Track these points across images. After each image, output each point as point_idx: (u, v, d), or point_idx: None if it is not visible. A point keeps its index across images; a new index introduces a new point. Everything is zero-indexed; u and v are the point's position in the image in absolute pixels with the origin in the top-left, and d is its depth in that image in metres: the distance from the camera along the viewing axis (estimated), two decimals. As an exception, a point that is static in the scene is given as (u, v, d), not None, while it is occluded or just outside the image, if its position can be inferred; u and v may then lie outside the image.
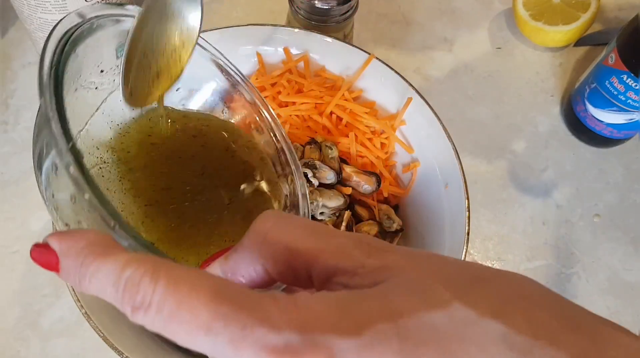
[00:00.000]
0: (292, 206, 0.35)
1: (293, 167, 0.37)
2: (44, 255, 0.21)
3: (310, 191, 0.45)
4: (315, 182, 0.45)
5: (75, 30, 0.29)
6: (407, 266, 0.19)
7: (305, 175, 0.45)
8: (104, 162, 0.33)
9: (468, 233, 0.42)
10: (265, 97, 0.50)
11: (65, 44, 0.28)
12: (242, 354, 0.17)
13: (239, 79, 0.38)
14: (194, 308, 0.18)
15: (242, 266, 0.22)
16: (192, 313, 0.18)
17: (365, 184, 0.47)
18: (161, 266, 0.19)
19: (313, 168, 0.46)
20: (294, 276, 0.21)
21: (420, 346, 0.16)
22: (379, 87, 0.49)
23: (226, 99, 0.38)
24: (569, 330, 0.17)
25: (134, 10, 0.32)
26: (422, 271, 0.19)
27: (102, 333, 0.37)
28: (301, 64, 0.50)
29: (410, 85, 0.47)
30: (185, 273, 0.19)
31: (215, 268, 0.22)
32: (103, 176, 0.33)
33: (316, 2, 0.50)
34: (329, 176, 0.46)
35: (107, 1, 0.34)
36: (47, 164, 0.27)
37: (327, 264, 0.20)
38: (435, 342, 0.17)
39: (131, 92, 0.33)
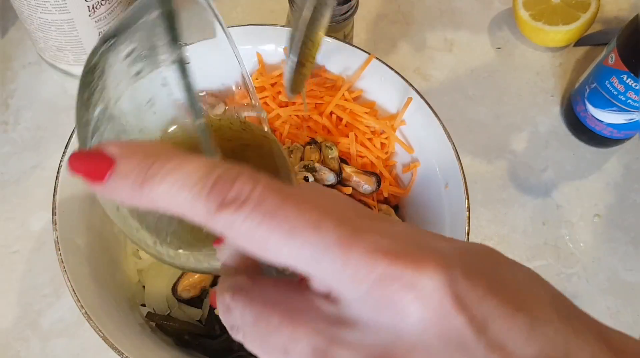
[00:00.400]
0: None
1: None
2: (90, 160, 0.18)
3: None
4: None
5: None
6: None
7: (306, 179, 0.45)
8: None
9: (468, 233, 0.42)
10: (265, 97, 0.50)
11: None
12: (351, 256, 0.17)
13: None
14: (301, 207, 0.17)
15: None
16: (300, 210, 0.17)
17: (365, 185, 0.47)
18: (259, 174, 0.18)
19: (313, 170, 0.46)
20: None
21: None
22: (379, 87, 0.49)
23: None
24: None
25: None
26: None
27: (102, 333, 0.37)
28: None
29: (410, 85, 0.47)
30: (286, 186, 0.18)
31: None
32: None
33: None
34: (329, 178, 0.46)
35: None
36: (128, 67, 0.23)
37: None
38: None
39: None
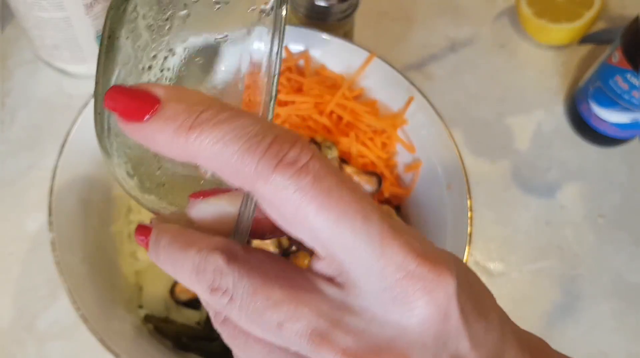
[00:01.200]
0: None
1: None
2: (133, 95, 0.17)
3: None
4: None
5: None
6: None
7: None
8: None
9: (470, 234, 0.42)
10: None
11: None
12: (388, 250, 0.18)
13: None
14: (355, 194, 0.17)
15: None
16: (354, 196, 0.17)
17: (366, 185, 0.47)
18: (315, 147, 0.18)
19: None
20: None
21: None
22: (380, 85, 0.49)
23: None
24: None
25: None
26: None
27: (98, 335, 0.37)
28: (301, 62, 0.50)
29: (412, 84, 0.47)
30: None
31: (220, 200, 0.21)
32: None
33: (316, 0, 0.49)
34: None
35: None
36: None
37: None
38: None
39: None
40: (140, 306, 0.46)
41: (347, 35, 0.54)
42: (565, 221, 0.55)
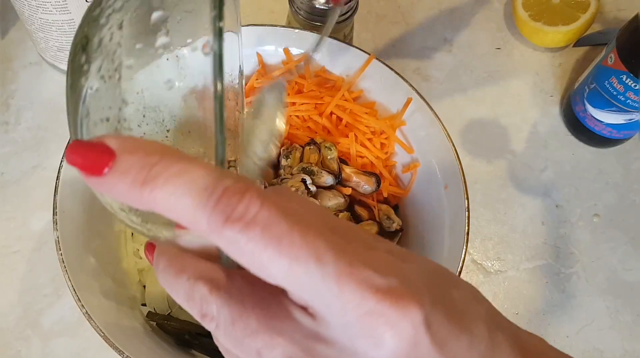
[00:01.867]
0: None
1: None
2: (90, 150, 0.18)
3: (309, 195, 0.45)
4: (313, 189, 0.45)
5: None
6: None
7: (304, 181, 0.45)
8: None
9: (468, 233, 0.42)
10: (265, 97, 0.50)
11: None
12: (346, 289, 0.17)
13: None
14: (308, 236, 0.17)
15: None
16: (305, 239, 0.17)
17: (365, 185, 0.47)
18: (268, 192, 0.18)
19: (311, 174, 0.46)
20: None
21: None
22: (379, 87, 0.49)
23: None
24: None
25: None
26: None
27: (102, 332, 0.37)
28: (301, 64, 0.50)
29: (410, 85, 0.47)
30: (294, 205, 0.18)
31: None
32: None
33: (316, 2, 0.50)
34: (327, 180, 0.46)
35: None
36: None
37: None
38: None
39: None
40: (143, 304, 0.46)
41: (347, 38, 0.54)
42: (561, 220, 0.56)
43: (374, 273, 0.18)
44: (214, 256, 0.21)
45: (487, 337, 0.20)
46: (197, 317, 0.20)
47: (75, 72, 0.22)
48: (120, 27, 0.22)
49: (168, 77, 0.26)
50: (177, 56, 0.25)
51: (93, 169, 0.18)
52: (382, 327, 0.18)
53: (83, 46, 0.22)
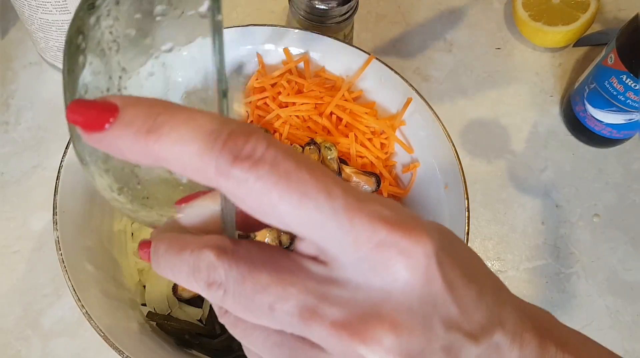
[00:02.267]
0: None
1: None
2: (92, 107, 0.17)
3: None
4: None
5: None
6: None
7: None
8: None
9: (468, 233, 0.42)
10: (265, 97, 0.50)
11: None
12: (356, 221, 0.17)
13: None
14: (314, 173, 0.17)
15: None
16: (313, 175, 0.17)
17: (365, 185, 0.47)
18: (272, 136, 0.18)
19: None
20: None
21: None
22: (379, 87, 0.49)
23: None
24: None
25: None
26: None
27: (102, 332, 0.37)
28: (301, 64, 0.50)
29: (410, 85, 0.47)
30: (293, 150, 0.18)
31: (204, 202, 0.21)
32: None
33: (316, 2, 0.50)
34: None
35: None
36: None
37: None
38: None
39: None
40: (144, 304, 0.46)
41: (347, 38, 0.55)
42: (561, 220, 0.56)
43: (382, 206, 0.18)
44: (218, 231, 0.21)
45: (494, 293, 0.20)
46: (203, 290, 0.19)
47: (72, 54, 0.22)
48: (117, 3, 0.22)
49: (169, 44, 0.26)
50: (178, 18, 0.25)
51: (95, 125, 0.17)
52: (395, 257, 0.18)
53: (79, 27, 0.22)
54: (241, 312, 0.19)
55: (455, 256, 0.19)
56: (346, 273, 0.18)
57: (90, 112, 0.17)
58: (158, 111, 0.17)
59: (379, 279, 0.18)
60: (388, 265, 0.18)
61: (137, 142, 0.17)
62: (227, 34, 0.48)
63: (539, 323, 0.22)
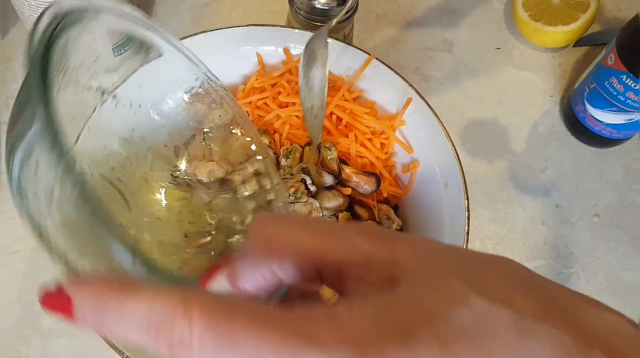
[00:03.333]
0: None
1: (276, 181, 0.35)
2: (55, 299, 0.19)
3: (309, 195, 0.45)
4: (314, 189, 0.45)
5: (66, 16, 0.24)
6: (415, 258, 0.19)
7: (304, 181, 0.45)
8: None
9: (468, 233, 0.42)
10: (265, 97, 0.50)
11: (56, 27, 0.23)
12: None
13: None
14: (239, 339, 0.17)
15: (248, 273, 0.21)
16: (237, 345, 0.17)
17: (365, 185, 0.47)
18: (190, 297, 0.18)
19: (311, 174, 0.46)
20: (302, 275, 0.21)
21: (455, 346, 0.17)
22: (379, 87, 0.50)
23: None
24: (560, 310, 0.19)
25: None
26: (431, 264, 0.19)
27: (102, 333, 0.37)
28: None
29: (410, 85, 0.47)
30: (218, 301, 0.18)
31: (222, 280, 0.22)
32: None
33: (316, 2, 0.50)
34: (327, 181, 0.46)
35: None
36: (22, 160, 0.22)
37: (337, 260, 0.20)
38: (466, 340, 0.17)
39: None
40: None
41: (347, 38, 0.55)
42: (561, 220, 0.56)
43: (320, 352, 0.17)
44: (271, 285, 0.21)
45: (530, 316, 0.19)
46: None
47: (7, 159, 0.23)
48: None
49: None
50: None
51: (66, 314, 0.19)
52: None
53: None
54: None
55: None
56: None
57: (57, 304, 0.19)
58: (100, 300, 0.19)
59: None
60: None
61: (99, 330, 0.19)
62: (228, 33, 0.48)
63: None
